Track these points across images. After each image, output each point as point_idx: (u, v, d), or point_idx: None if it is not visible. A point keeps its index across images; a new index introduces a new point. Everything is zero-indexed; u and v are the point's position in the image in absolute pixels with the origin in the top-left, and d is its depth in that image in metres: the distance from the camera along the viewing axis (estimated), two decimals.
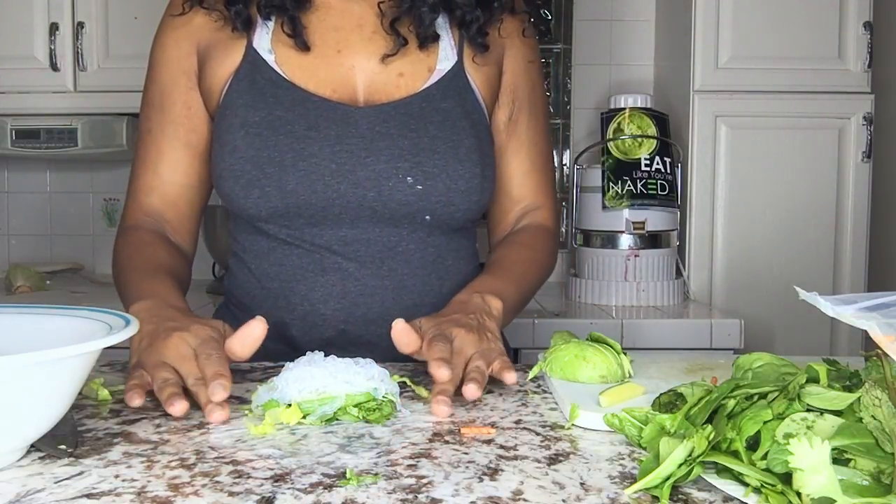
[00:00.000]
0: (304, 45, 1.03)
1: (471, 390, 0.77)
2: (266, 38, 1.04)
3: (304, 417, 0.73)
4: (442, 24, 1.07)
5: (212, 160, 1.05)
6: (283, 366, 0.79)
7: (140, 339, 0.83)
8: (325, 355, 0.79)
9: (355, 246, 1.02)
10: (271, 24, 1.05)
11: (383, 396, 0.75)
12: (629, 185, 1.93)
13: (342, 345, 1.01)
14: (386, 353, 0.92)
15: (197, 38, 1.06)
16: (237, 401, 0.80)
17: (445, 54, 1.06)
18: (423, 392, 0.84)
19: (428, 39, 1.05)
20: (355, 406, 0.74)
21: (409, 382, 0.85)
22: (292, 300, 1.03)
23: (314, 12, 1.06)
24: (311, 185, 0.98)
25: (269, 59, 1.03)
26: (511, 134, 1.13)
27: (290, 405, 0.74)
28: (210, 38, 1.05)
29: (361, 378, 0.75)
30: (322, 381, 0.75)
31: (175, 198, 1.08)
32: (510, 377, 0.81)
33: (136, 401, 0.76)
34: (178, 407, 0.73)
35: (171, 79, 1.06)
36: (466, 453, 0.64)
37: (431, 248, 1.05)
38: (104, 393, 0.81)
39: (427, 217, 1.02)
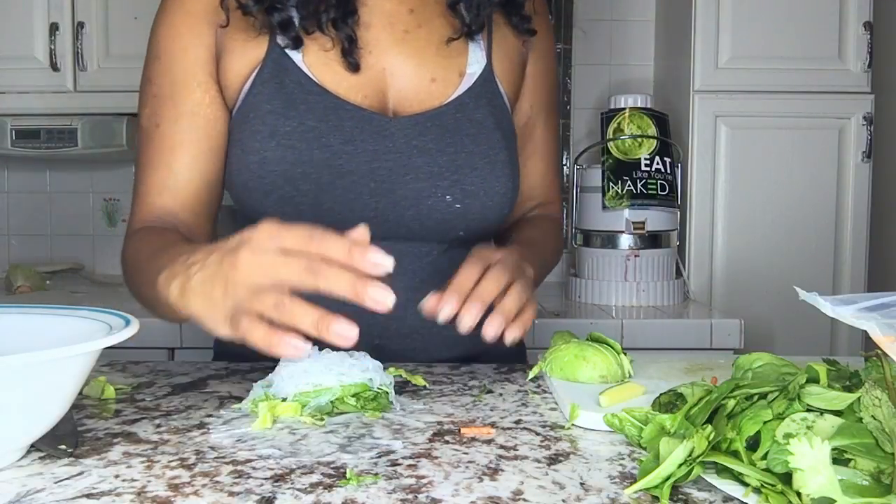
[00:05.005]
0: (355, 67, 0.96)
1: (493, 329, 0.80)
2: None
3: (301, 408, 0.74)
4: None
5: (228, 164, 0.97)
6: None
7: (202, 295, 0.68)
8: (320, 349, 0.79)
9: None
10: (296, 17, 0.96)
11: (378, 388, 0.76)
12: (629, 185, 1.93)
13: (376, 360, 0.98)
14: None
15: (215, 24, 0.96)
16: (237, 400, 0.80)
17: (476, 57, 1.03)
18: (420, 381, 0.85)
19: (479, 29, 1.02)
20: (353, 396, 0.75)
21: (404, 375, 0.85)
22: None
23: None
24: (348, 204, 0.94)
25: (297, 57, 0.95)
26: (528, 138, 1.12)
27: (284, 399, 0.74)
28: (229, 28, 0.97)
29: (356, 370, 0.76)
30: (317, 374, 0.75)
31: (191, 198, 0.98)
32: (511, 334, 0.82)
33: (284, 344, 0.63)
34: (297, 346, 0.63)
35: (186, 69, 0.96)
36: (466, 453, 0.64)
37: (459, 255, 1.00)
38: (110, 390, 0.81)
39: (461, 233, 0.99)
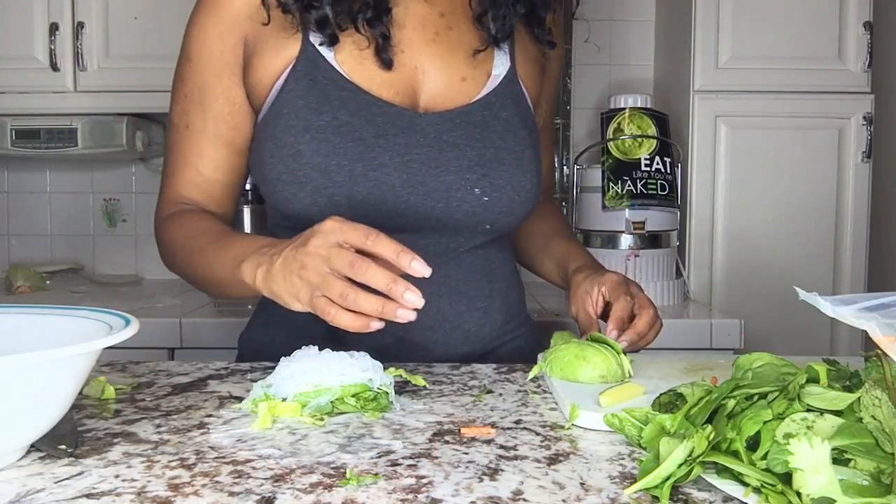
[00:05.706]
0: (388, 64, 0.99)
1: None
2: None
3: (301, 408, 0.74)
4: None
5: (260, 160, 0.99)
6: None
7: (284, 286, 0.81)
8: (321, 350, 0.79)
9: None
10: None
11: (378, 388, 0.76)
12: (629, 185, 1.93)
13: (398, 352, 0.99)
14: (440, 359, 0.96)
15: (245, 29, 0.99)
16: (237, 400, 0.80)
17: (501, 59, 1.06)
18: (420, 381, 0.85)
19: (505, 38, 1.05)
20: (353, 396, 0.75)
21: (404, 375, 0.85)
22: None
23: None
24: (381, 195, 0.96)
25: (329, 55, 0.98)
26: (541, 136, 1.15)
27: (284, 399, 0.74)
28: (260, 30, 0.99)
29: (356, 370, 0.76)
30: (317, 374, 0.75)
31: (217, 194, 1.05)
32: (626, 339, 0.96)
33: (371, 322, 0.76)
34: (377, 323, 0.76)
35: (214, 73, 1.01)
36: (466, 453, 0.64)
37: (481, 250, 1.05)
38: (110, 390, 0.81)
39: (488, 226, 1.02)
